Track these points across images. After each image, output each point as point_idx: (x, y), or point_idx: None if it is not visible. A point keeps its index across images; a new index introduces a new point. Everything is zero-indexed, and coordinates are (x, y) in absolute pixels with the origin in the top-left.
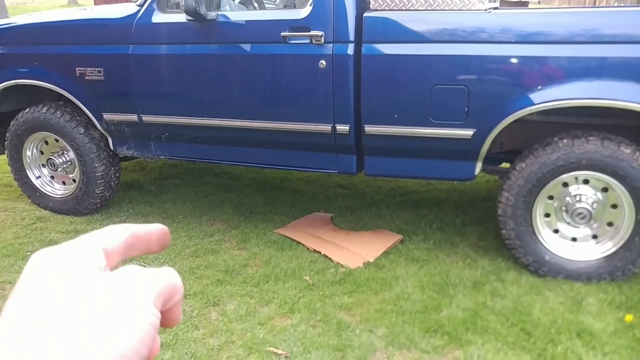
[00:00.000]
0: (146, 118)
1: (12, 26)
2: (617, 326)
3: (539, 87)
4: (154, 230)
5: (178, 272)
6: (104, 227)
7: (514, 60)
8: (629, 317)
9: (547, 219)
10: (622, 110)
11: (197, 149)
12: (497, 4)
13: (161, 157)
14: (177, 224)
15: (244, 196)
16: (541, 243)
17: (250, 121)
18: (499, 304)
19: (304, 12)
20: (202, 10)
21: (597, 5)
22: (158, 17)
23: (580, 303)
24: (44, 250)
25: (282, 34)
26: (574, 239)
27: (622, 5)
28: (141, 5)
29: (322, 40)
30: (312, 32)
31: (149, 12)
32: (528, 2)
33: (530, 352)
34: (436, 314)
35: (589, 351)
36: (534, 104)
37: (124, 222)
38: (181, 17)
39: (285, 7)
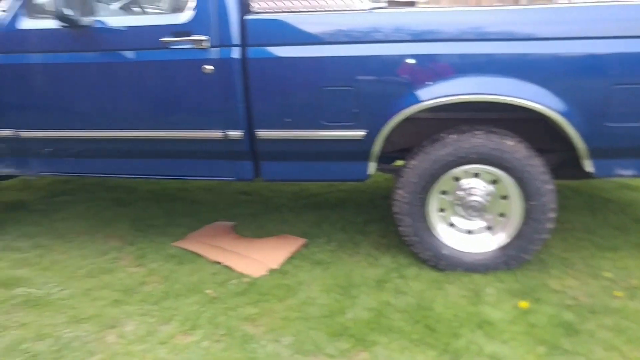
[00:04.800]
0: (23, 133)
1: None
2: (513, 313)
3: (425, 85)
4: None
5: (71, 295)
6: None
7: (399, 60)
8: (523, 304)
9: (442, 214)
10: (504, 104)
11: (84, 163)
12: (382, 4)
13: (43, 173)
14: (69, 243)
15: (140, 209)
16: (438, 238)
17: (138, 131)
18: (402, 301)
19: (184, 16)
20: (75, 15)
21: (480, 4)
22: (26, 24)
23: (479, 294)
24: None
25: (162, 39)
26: (469, 232)
27: (502, 4)
28: (6, 11)
29: (206, 44)
30: (195, 37)
31: (16, 17)
32: (415, 1)
33: (435, 348)
34: (341, 317)
35: (489, 341)
36: (420, 102)
37: (9, 245)
38: (53, 23)
39: (172, 11)
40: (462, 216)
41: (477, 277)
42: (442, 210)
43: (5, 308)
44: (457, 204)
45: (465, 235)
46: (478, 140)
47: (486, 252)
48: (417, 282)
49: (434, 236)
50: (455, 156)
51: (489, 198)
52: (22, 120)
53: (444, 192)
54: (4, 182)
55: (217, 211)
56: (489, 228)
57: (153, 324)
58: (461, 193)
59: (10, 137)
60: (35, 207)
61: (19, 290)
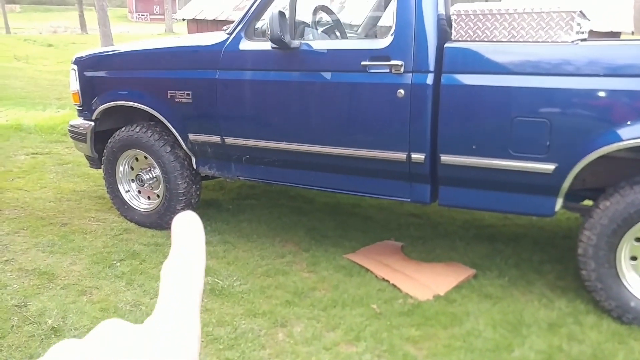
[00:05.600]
0: (228, 140)
1: (115, 53)
2: None
3: (629, 123)
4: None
5: (249, 290)
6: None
7: (602, 94)
8: None
9: (633, 262)
10: None
11: (275, 171)
12: (585, 35)
13: (240, 177)
14: (251, 243)
15: (316, 220)
16: (626, 287)
17: (328, 147)
18: (576, 349)
19: (384, 41)
20: (287, 38)
21: None
22: (245, 45)
23: None
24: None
25: (362, 63)
26: None
27: None
28: (230, 34)
29: (402, 69)
30: (392, 62)
31: (237, 39)
32: (620, 32)
33: None
34: (507, 354)
35: None
36: (622, 140)
37: None
38: (266, 45)
39: (366, 36)
40: None
41: None
42: (634, 258)
43: None
44: None
45: None
46: None
47: None
48: (595, 331)
49: (622, 285)
50: None
51: None
52: (228, 128)
53: (638, 240)
54: (204, 181)
55: (387, 230)
56: None
57: (319, 328)
58: None
59: (218, 143)
60: (225, 206)
61: (207, 279)
